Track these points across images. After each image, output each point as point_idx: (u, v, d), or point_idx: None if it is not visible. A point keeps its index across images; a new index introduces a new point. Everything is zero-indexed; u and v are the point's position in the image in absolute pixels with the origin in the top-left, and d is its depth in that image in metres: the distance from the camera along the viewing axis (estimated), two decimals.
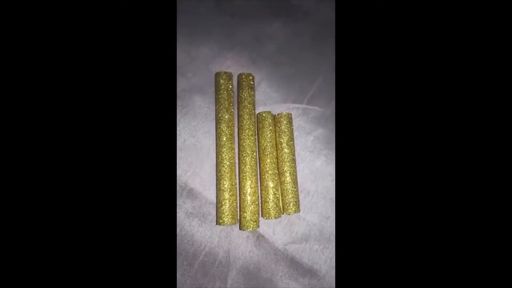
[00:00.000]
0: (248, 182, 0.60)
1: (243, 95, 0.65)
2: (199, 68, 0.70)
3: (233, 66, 0.70)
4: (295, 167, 0.62)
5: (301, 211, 0.62)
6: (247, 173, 0.60)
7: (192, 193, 0.63)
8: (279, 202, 0.60)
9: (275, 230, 0.61)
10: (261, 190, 0.61)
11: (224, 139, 0.62)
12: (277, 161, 0.62)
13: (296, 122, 0.67)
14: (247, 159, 0.61)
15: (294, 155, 0.63)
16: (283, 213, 0.61)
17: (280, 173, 0.61)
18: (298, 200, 0.61)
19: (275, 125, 0.64)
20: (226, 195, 0.59)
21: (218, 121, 0.63)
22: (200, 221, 0.61)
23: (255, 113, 0.66)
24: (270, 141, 0.63)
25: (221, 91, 0.65)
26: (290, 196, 0.60)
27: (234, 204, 0.59)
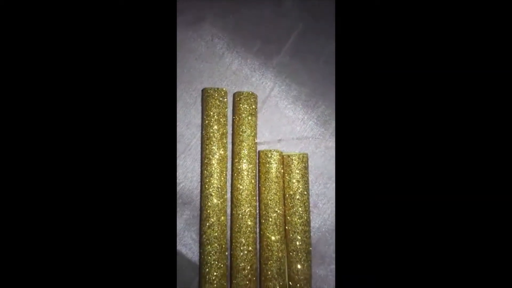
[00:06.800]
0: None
1: (242, 124, 0.47)
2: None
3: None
4: (309, 231, 0.45)
5: None
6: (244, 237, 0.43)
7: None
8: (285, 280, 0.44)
9: None
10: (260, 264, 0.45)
11: (212, 189, 0.44)
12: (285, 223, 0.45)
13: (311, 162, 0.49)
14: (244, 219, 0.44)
15: (308, 216, 0.45)
16: None
17: (289, 240, 0.44)
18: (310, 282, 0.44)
19: (283, 168, 0.46)
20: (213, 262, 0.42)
21: (205, 158, 0.45)
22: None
23: (256, 150, 0.48)
24: (276, 193, 0.45)
25: (210, 116, 0.46)
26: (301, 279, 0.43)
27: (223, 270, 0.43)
